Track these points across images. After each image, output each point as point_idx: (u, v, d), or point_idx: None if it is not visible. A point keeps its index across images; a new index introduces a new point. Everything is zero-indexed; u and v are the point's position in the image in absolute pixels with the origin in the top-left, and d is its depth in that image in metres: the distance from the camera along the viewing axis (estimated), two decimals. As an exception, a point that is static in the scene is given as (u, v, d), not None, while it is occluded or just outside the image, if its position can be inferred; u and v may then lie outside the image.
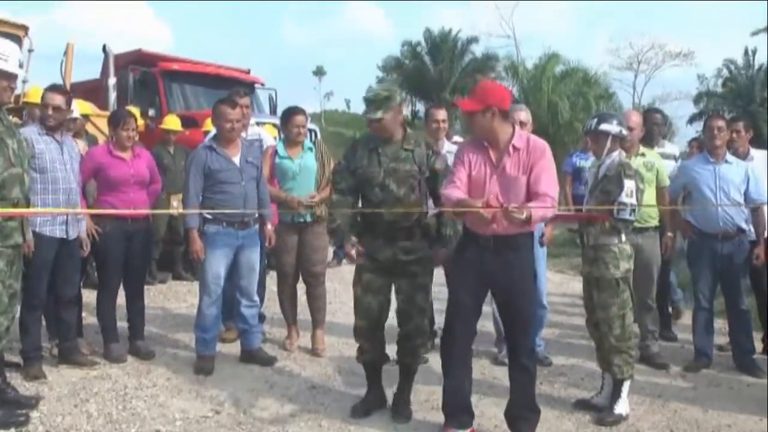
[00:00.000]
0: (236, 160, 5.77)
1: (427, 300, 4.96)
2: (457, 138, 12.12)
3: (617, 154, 5.02)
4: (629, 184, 4.82)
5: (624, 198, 4.81)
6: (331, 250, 10.79)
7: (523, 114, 6.04)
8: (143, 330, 6.34)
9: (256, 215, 5.95)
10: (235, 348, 6.37)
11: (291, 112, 6.44)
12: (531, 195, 4.29)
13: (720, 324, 6.82)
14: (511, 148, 4.37)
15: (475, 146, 4.51)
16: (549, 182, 4.31)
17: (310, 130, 11.59)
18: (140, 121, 7.81)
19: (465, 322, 4.53)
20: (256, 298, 6.14)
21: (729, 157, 6.23)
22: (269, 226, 6.19)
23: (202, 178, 5.70)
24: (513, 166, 4.36)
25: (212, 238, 5.72)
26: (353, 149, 4.98)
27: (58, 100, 5.44)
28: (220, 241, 5.73)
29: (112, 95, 11.71)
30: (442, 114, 6.36)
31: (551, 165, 4.40)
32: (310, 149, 6.44)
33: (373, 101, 4.69)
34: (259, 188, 5.96)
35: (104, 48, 12.13)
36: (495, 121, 4.37)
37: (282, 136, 6.65)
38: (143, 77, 12.39)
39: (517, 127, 4.55)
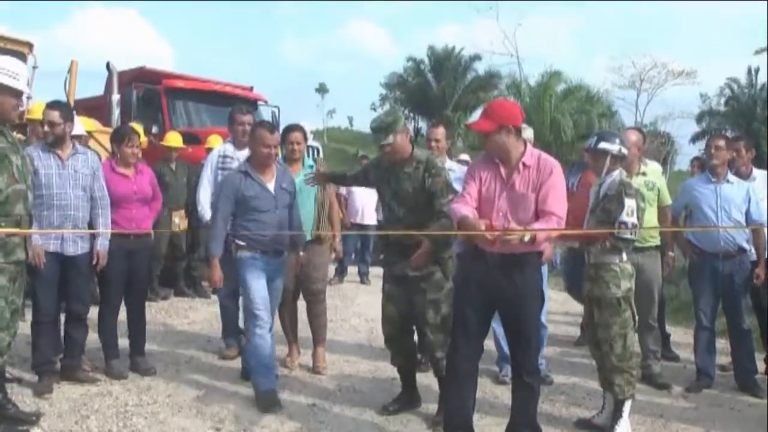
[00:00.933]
0: (271, 186, 5.55)
1: (438, 315, 5.06)
2: (463, 156, 12.17)
3: (618, 173, 5.03)
4: (630, 203, 4.83)
5: (624, 217, 4.82)
6: (332, 268, 10.82)
7: (527, 132, 6.07)
8: (144, 346, 6.35)
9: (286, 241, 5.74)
10: (236, 365, 6.38)
11: (287, 129, 6.50)
12: (538, 213, 4.33)
13: (722, 344, 6.83)
14: (521, 166, 4.42)
15: (486, 163, 4.57)
16: (556, 201, 4.34)
17: (313, 148, 11.65)
18: (143, 138, 7.84)
19: (471, 340, 4.55)
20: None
21: (730, 176, 6.26)
22: (302, 253, 6.03)
23: (233, 204, 5.47)
24: (522, 183, 4.41)
25: (250, 262, 5.47)
26: (374, 164, 5.50)
27: (53, 115, 5.47)
28: (256, 266, 5.48)
29: (116, 112, 11.77)
30: (439, 133, 6.40)
31: (560, 184, 4.43)
32: (311, 167, 6.46)
33: (381, 129, 4.99)
34: (293, 215, 5.79)
35: (108, 65, 12.22)
36: (510, 139, 4.44)
37: (282, 153, 6.67)
38: (147, 94, 12.47)
39: (529, 145, 4.59)
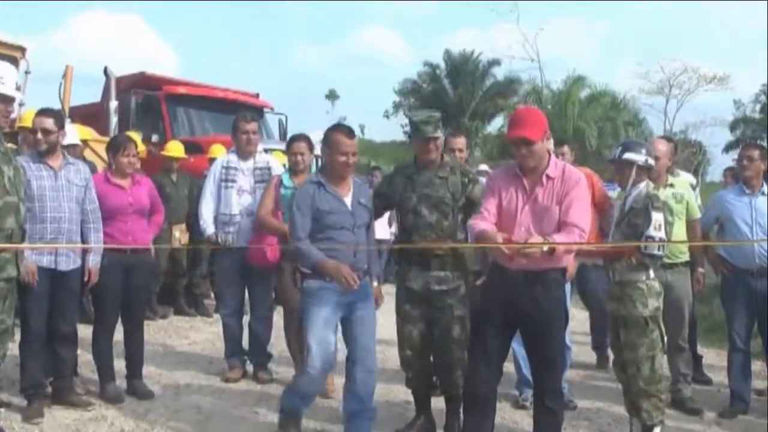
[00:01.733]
0: (348, 201, 5.00)
1: (464, 332, 5.12)
2: (483, 166, 12.16)
3: (644, 185, 5.03)
4: (657, 217, 4.82)
5: (652, 232, 4.81)
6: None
7: (565, 147, 6.28)
8: (142, 369, 6.33)
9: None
10: (240, 387, 6.38)
11: (292, 139, 6.55)
12: (560, 226, 4.33)
13: (758, 366, 6.78)
14: (544, 178, 4.44)
15: (507, 175, 4.59)
16: (579, 213, 4.34)
17: (321, 158, 11.66)
18: (141, 147, 7.87)
19: (490, 362, 4.54)
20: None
21: (766, 188, 6.22)
22: (376, 283, 5.30)
23: (311, 217, 4.91)
24: (546, 195, 4.42)
25: (317, 294, 4.88)
26: (389, 177, 5.54)
27: (47, 122, 5.46)
28: (326, 298, 4.87)
29: (114, 120, 11.84)
30: (460, 142, 6.37)
31: (584, 195, 4.45)
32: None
33: (430, 122, 5.11)
34: (370, 237, 5.25)
35: (105, 70, 12.30)
36: (545, 148, 4.50)
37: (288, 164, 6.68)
38: (146, 101, 12.54)
39: (553, 156, 4.62)
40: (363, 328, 4.98)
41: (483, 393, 4.55)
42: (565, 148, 6.54)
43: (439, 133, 5.18)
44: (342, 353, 5.33)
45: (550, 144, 6.01)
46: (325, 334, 4.83)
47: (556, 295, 4.51)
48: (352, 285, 4.73)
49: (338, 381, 6.52)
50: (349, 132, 4.98)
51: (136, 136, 8.09)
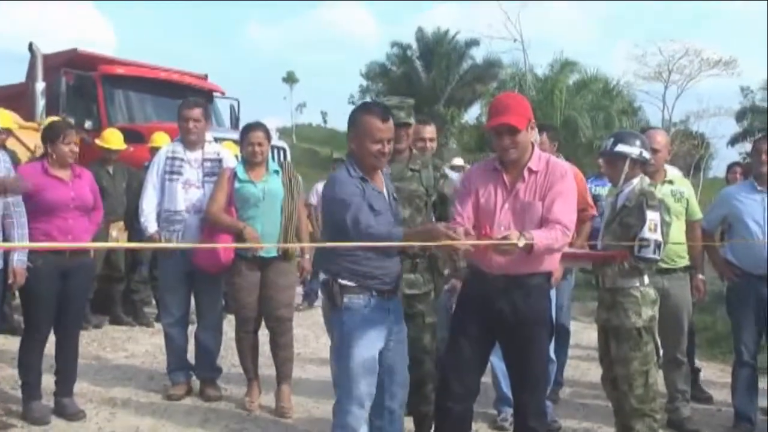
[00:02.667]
0: (386, 196, 4.66)
1: (434, 341, 5.20)
2: (457, 161, 12.22)
3: (638, 181, 5.06)
4: (653, 217, 4.85)
5: (646, 233, 4.84)
6: (300, 291, 10.81)
7: (544, 135, 6.37)
8: (73, 385, 6.27)
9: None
10: (184, 405, 6.37)
11: (247, 128, 6.53)
12: (542, 222, 4.37)
13: (765, 384, 6.85)
14: (526, 172, 4.47)
15: (485, 170, 4.64)
16: (564, 209, 4.37)
17: (278, 149, 11.67)
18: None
19: (464, 377, 4.57)
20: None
21: None
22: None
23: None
24: (528, 191, 4.46)
25: (362, 313, 4.44)
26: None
27: None
28: (373, 317, 4.47)
29: (40, 103, 11.71)
30: (430, 131, 6.36)
31: (570, 190, 4.48)
32: (276, 172, 6.47)
33: (402, 107, 5.16)
34: None
35: (30, 47, 12.12)
36: (529, 138, 4.54)
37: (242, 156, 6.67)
38: (79, 82, 12.44)
39: (537, 147, 4.65)
40: (401, 351, 4.68)
41: (456, 412, 4.57)
42: (544, 137, 6.47)
43: (412, 120, 5.26)
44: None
45: (535, 134, 6.08)
46: (373, 365, 4.45)
47: (539, 303, 4.53)
48: None
49: (296, 399, 6.55)
50: (384, 114, 4.53)
51: (56, 119, 8.01)
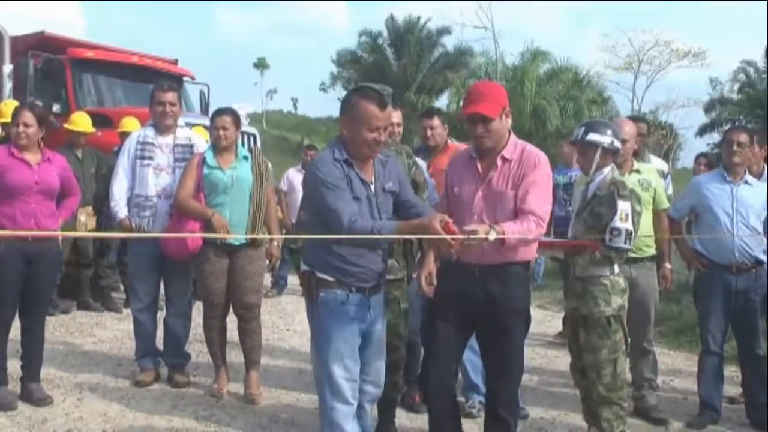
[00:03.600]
0: (372, 186, 4.41)
1: (406, 328, 5.20)
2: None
3: (609, 171, 5.07)
4: (624, 206, 4.87)
5: (617, 222, 4.86)
6: (269, 278, 10.78)
7: (435, 119, 6.41)
8: (40, 371, 6.23)
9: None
10: (152, 392, 6.34)
11: (215, 113, 6.51)
12: (516, 213, 4.36)
13: (731, 372, 6.91)
14: (499, 160, 4.48)
15: (461, 159, 4.67)
16: (537, 199, 4.37)
17: (248, 135, 11.63)
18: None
19: (443, 365, 4.59)
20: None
21: (748, 177, 6.28)
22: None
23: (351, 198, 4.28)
24: (501, 179, 4.46)
25: (339, 308, 4.32)
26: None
27: None
28: (350, 313, 4.35)
29: (7, 86, 11.59)
30: (396, 116, 6.31)
31: (543, 179, 4.47)
32: (246, 158, 6.44)
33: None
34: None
35: (-4, 28, 12.00)
36: (507, 123, 4.53)
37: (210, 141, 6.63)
38: (47, 65, 12.30)
39: (513, 135, 4.63)
40: (378, 348, 4.58)
41: (441, 393, 4.61)
42: (435, 121, 6.52)
43: (390, 109, 5.21)
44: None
45: (509, 122, 6.10)
46: (353, 360, 4.36)
47: (516, 292, 4.51)
48: None
49: (265, 385, 6.54)
50: (381, 100, 4.28)
51: (12, 103, 7.90)
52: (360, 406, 4.50)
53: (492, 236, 4.03)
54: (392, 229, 4.10)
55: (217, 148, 6.35)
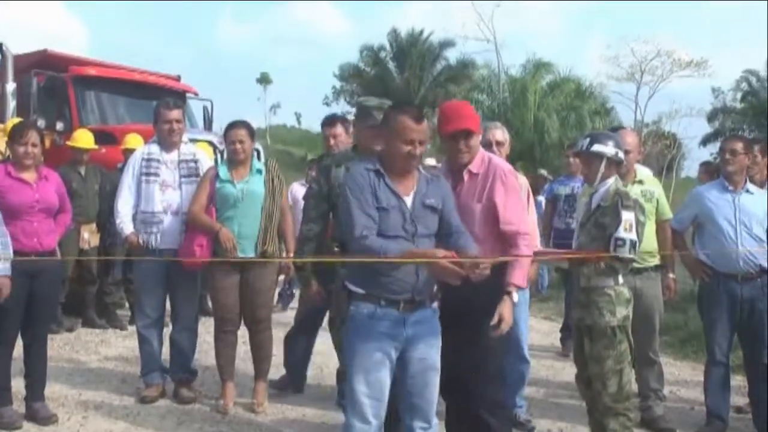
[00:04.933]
0: (408, 200, 4.29)
1: None
2: (429, 161, 12.19)
3: (613, 181, 5.07)
4: (628, 217, 4.85)
5: (622, 233, 4.85)
6: (276, 292, 10.75)
7: (499, 132, 6.25)
8: (44, 389, 6.22)
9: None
10: (158, 408, 6.33)
11: (229, 126, 6.51)
12: (499, 233, 4.50)
13: (738, 381, 6.89)
14: (466, 174, 4.66)
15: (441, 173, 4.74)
16: (516, 214, 4.58)
17: (253, 150, 11.62)
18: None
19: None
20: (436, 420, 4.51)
21: (750, 186, 6.27)
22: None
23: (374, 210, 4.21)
24: (467, 193, 4.63)
25: (365, 322, 4.22)
26: (326, 170, 5.43)
27: None
28: (378, 328, 4.22)
29: (11, 105, 11.62)
30: None
31: (512, 191, 4.65)
32: (259, 171, 6.45)
33: (382, 109, 5.12)
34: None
35: (0, 47, 12.03)
36: (478, 140, 4.73)
37: (224, 156, 6.64)
38: (50, 83, 12.33)
39: (481, 149, 4.79)
40: (422, 378, 4.33)
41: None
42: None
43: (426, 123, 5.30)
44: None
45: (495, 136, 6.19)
46: (377, 377, 4.21)
47: (487, 294, 4.46)
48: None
49: (270, 400, 6.52)
50: (417, 115, 4.32)
51: (15, 120, 7.92)
52: (410, 428, 4.36)
53: (515, 298, 4.47)
54: (398, 253, 4.01)
55: (232, 161, 6.37)
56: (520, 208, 4.53)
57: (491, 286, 4.42)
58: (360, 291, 4.21)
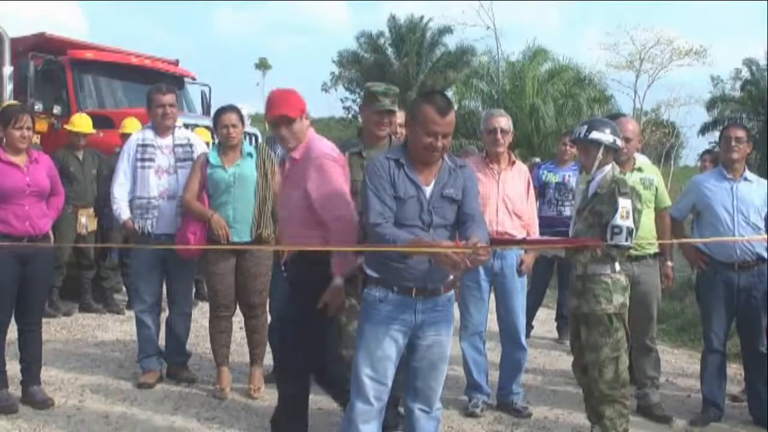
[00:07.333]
0: (427, 190, 4.27)
1: None
2: (471, 148, 12.20)
3: (610, 169, 5.06)
4: (624, 204, 4.85)
5: (618, 220, 4.84)
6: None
7: (504, 120, 6.22)
8: (40, 373, 6.22)
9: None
10: (155, 393, 6.34)
11: (219, 111, 6.51)
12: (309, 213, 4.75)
13: (734, 369, 6.89)
14: (288, 162, 5.02)
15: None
16: (327, 200, 4.71)
17: (250, 135, 11.62)
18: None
19: None
20: (439, 405, 4.60)
21: (748, 174, 6.28)
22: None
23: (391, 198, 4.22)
24: (289, 179, 5.00)
25: (375, 306, 4.28)
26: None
27: None
28: (387, 312, 4.26)
29: (8, 88, 11.56)
30: (400, 116, 6.24)
31: (327, 177, 4.78)
32: (250, 155, 6.44)
33: (388, 94, 5.27)
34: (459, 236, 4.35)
35: (-4, 30, 11.98)
36: (306, 126, 5.01)
37: (216, 141, 6.63)
38: (48, 67, 12.27)
39: (311, 135, 5.01)
40: (429, 365, 4.40)
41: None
42: (503, 121, 6.30)
43: (396, 108, 5.32)
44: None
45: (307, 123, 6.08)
46: (382, 360, 4.27)
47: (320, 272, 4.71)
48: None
49: (266, 387, 6.52)
50: (443, 106, 4.19)
51: (13, 104, 7.89)
52: (409, 410, 4.47)
53: (338, 282, 4.70)
54: (405, 242, 4.00)
55: (224, 146, 6.38)
56: (333, 195, 4.65)
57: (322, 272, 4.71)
58: (375, 275, 4.26)
